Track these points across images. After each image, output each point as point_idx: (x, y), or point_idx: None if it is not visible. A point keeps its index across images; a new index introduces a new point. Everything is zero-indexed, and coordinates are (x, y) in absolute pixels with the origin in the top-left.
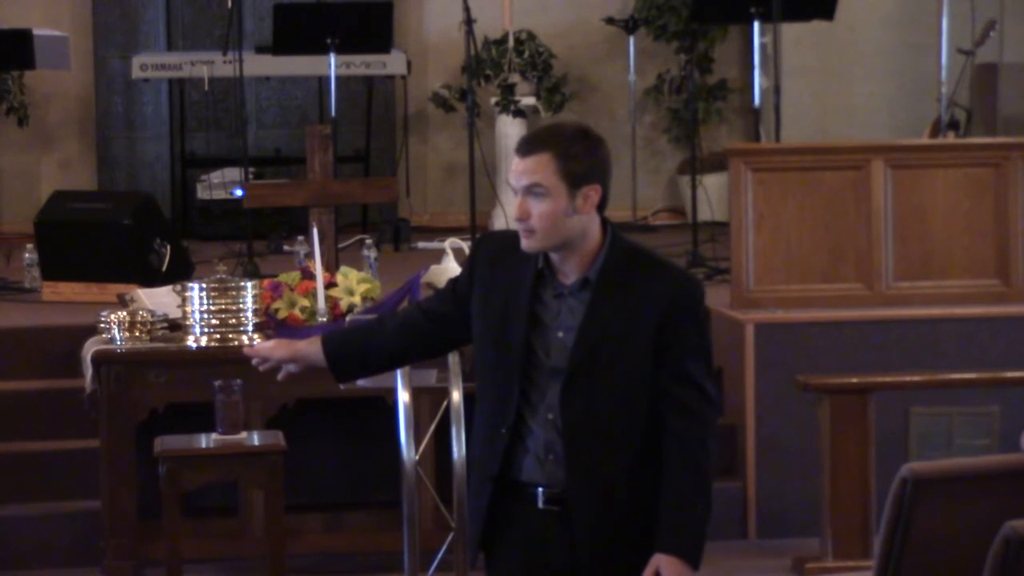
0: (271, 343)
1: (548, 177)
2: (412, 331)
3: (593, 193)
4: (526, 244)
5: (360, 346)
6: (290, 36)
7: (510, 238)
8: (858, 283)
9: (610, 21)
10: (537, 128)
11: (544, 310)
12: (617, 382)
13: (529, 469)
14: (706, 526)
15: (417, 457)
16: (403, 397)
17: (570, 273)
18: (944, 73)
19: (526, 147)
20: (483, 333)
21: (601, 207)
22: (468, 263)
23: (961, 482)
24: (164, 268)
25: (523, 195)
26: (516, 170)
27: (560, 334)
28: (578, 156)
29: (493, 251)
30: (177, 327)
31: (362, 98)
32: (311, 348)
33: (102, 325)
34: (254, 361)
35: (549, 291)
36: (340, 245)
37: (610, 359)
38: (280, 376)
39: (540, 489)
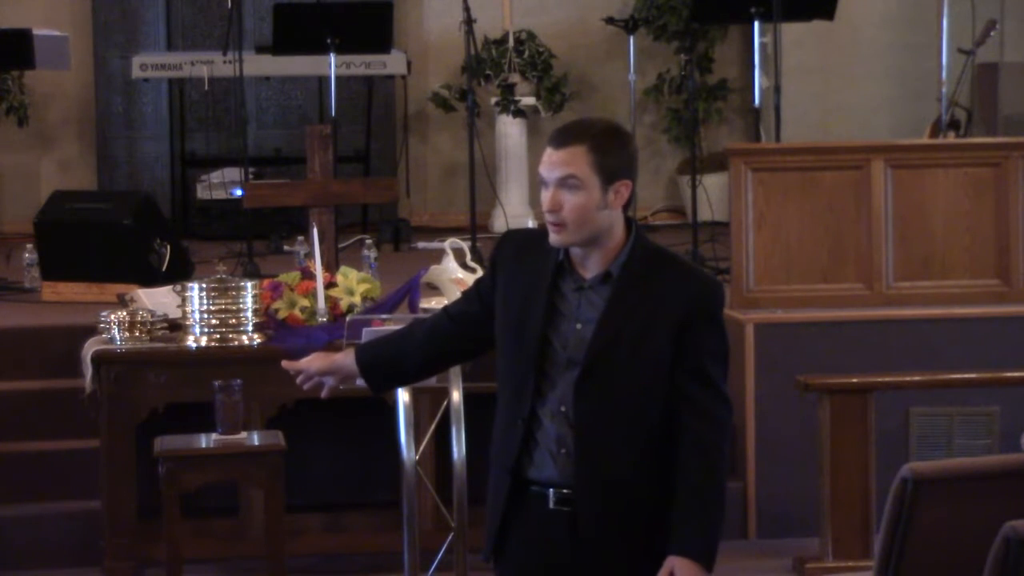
0: (308, 358)
1: (583, 169)
2: (440, 336)
3: (624, 189)
4: (556, 238)
5: (392, 356)
6: (290, 36)
7: (531, 235)
8: (858, 283)
9: (610, 21)
10: (569, 122)
11: (563, 302)
12: (633, 377)
13: (542, 465)
14: (720, 528)
15: (417, 457)
16: (403, 397)
17: (591, 267)
18: (944, 73)
19: (560, 139)
20: (503, 325)
21: (626, 204)
22: (491, 262)
23: (961, 482)
24: (164, 268)
25: (556, 187)
26: (550, 161)
27: (578, 326)
28: (611, 151)
29: (515, 248)
30: (177, 327)
31: (362, 98)
32: (346, 360)
33: (102, 325)
34: (299, 379)
35: (569, 283)
36: (340, 245)
37: (628, 354)
38: (324, 393)
39: (551, 490)
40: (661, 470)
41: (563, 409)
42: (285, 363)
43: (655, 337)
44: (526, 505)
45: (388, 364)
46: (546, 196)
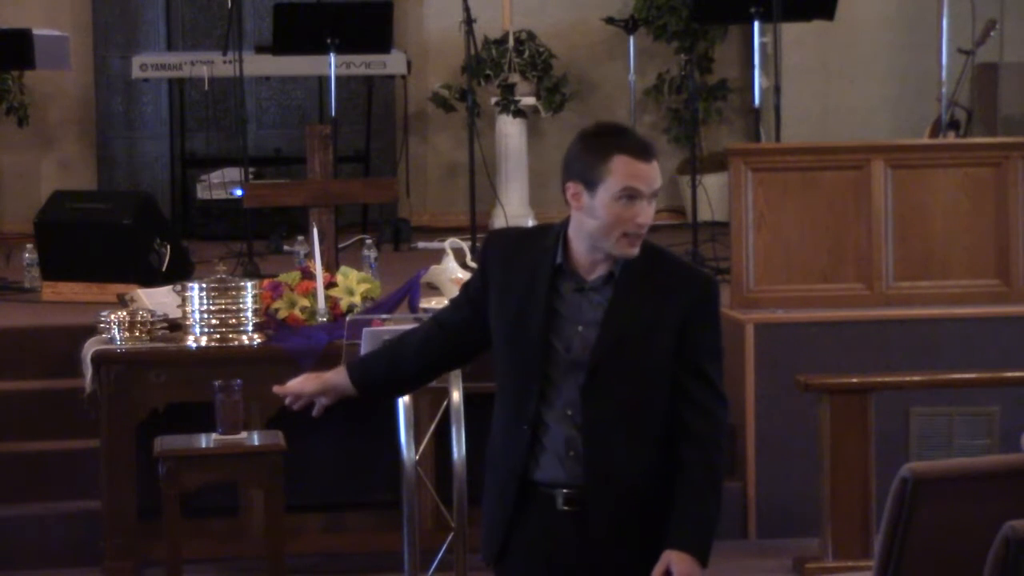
0: (299, 380)
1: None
2: (434, 346)
3: None
4: (632, 251)
5: (386, 371)
6: (290, 36)
7: (519, 235)
8: (858, 283)
9: (610, 21)
10: (630, 130)
11: (563, 304)
12: (638, 378)
13: (549, 468)
14: (716, 525)
15: (417, 457)
16: (403, 397)
17: (593, 269)
18: (944, 73)
19: (647, 151)
20: (501, 330)
21: None
22: (479, 263)
23: (961, 482)
24: (164, 268)
25: (648, 200)
26: (646, 175)
27: (580, 328)
28: None
29: (503, 249)
30: (177, 327)
31: (362, 98)
32: (339, 378)
33: (102, 325)
34: (287, 400)
35: (568, 285)
36: (340, 245)
37: (633, 355)
38: (315, 412)
39: (559, 491)
40: (663, 466)
41: (569, 412)
42: (276, 388)
43: (659, 337)
44: (532, 507)
45: (383, 380)
46: (641, 210)
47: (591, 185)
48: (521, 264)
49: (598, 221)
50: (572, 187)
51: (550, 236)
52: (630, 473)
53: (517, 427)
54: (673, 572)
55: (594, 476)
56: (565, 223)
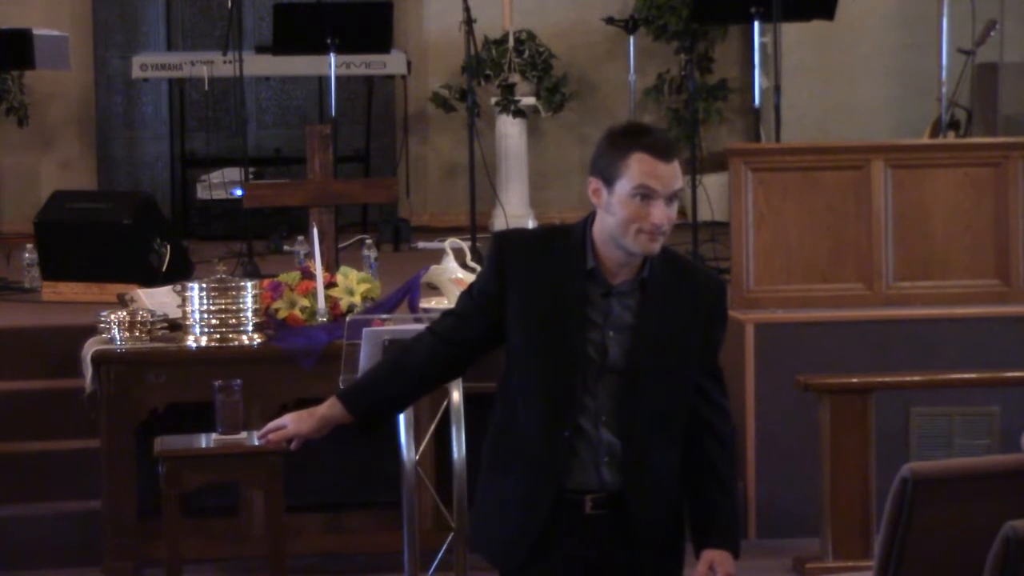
0: (289, 423)
1: (682, 181)
2: (442, 363)
3: None
4: (653, 247)
5: (390, 396)
6: (290, 36)
7: (533, 237)
8: (858, 283)
9: (610, 21)
10: (650, 129)
11: (592, 310)
12: (670, 381)
13: (580, 474)
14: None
15: (417, 457)
16: None
17: (619, 272)
18: (944, 73)
19: (667, 152)
20: (530, 335)
21: None
22: (493, 265)
23: (961, 482)
24: (164, 268)
25: (667, 199)
26: (664, 175)
27: (611, 333)
28: None
29: (521, 252)
30: (177, 327)
31: (362, 98)
32: (333, 412)
33: (102, 325)
34: (267, 439)
35: (596, 290)
36: (340, 245)
37: (666, 358)
38: (293, 445)
39: (586, 496)
40: (680, 462)
41: (604, 418)
42: (272, 436)
43: (686, 339)
44: (559, 514)
45: (387, 407)
46: (657, 209)
47: (609, 182)
48: (544, 267)
49: (615, 218)
50: (593, 183)
51: (572, 238)
52: (664, 474)
53: (556, 434)
54: (718, 572)
55: (633, 480)
56: (585, 224)
